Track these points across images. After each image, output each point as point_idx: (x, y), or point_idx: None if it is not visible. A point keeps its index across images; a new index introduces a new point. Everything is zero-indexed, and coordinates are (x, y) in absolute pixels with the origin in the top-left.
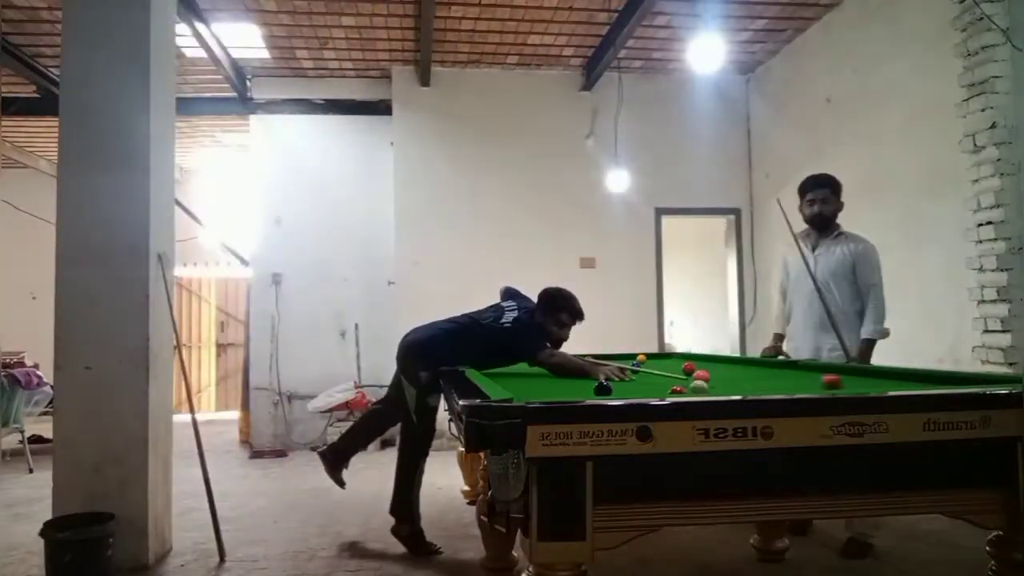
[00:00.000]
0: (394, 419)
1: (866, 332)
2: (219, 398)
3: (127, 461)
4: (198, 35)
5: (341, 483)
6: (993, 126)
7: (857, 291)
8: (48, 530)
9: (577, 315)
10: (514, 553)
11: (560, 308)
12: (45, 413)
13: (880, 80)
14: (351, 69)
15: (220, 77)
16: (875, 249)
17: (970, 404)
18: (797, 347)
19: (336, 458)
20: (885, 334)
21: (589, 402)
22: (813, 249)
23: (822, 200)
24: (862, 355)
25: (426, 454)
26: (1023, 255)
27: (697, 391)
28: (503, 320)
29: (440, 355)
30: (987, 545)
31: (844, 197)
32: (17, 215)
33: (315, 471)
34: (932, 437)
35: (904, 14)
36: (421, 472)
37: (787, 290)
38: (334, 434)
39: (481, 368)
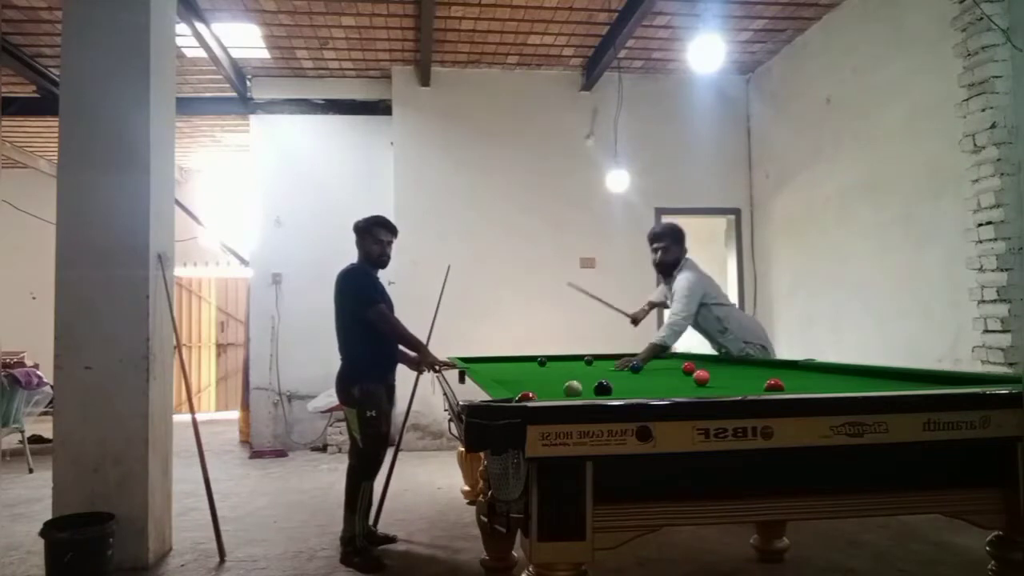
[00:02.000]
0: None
1: (653, 337)
2: (219, 398)
3: (127, 461)
4: (198, 35)
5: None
6: (993, 126)
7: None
8: (48, 530)
9: (389, 226)
10: (514, 553)
11: (371, 228)
12: (45, 413)
13: (880, 80)
14: (351, 69)
15: (220, 77)
16: (687, 279)
17: (970, 404)
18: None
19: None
20: (662, 342)
21: (589, 402)
22: (669, 288)
23: (663, 250)
24: (643, 355)
25: (371, 477)
26: (1023, 255)
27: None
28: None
29: (358, 364)
30: (987, 545)
31: (843, 197)
32: (17, 215)
33: (315, 471)
34: (932, 437)
35: (904, 14)
36: (368, 494)
37: None
38: (334, 434)
39: (383, 346)
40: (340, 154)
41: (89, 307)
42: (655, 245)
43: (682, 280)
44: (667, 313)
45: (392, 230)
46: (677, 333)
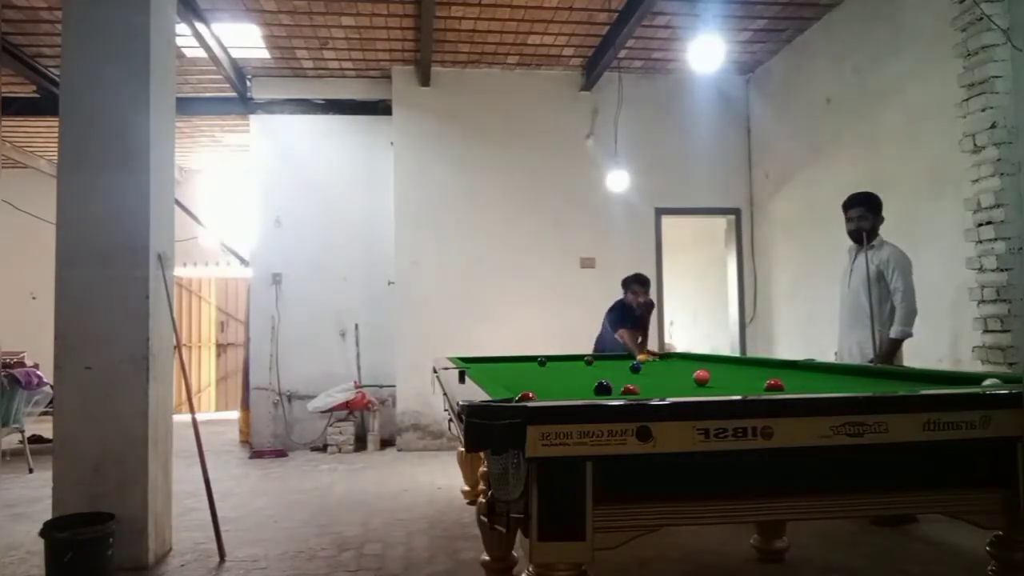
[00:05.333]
0: None
1: (892, 332)
2: (219, 398)
3: (127, 461)
4: (198, 35)
5: None
6: (993, 126)
7: (887, 294)
8: (48, 530)
9: (640, 281)
10: (514, 553)
11: (628, 283)
12: (45, 413)
13: (880, 80)
14: (351, 69)
15: (220, 77)
16: (901, 255)
17: (970, 404)
18: (839, 344)
19: None
20: (906, 335)
21: (589, 402)
22: (854, 260)
23: (858, 217)
24: (886, 353)
25: None
26: (1023, 255)
27: None
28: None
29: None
30: (987, 545)
31: (843, 197)
32: (17, 215)
33: (315, 471)
34: (932, 437)
35: (904, 14)
36: None
37: None
38: (334, 434)
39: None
40: (340, 154)
41: (89, 307)
42: (849, 213)
43: (899, 257)
44: (896, 297)
45: (646, 283)
46: (914, 317)
